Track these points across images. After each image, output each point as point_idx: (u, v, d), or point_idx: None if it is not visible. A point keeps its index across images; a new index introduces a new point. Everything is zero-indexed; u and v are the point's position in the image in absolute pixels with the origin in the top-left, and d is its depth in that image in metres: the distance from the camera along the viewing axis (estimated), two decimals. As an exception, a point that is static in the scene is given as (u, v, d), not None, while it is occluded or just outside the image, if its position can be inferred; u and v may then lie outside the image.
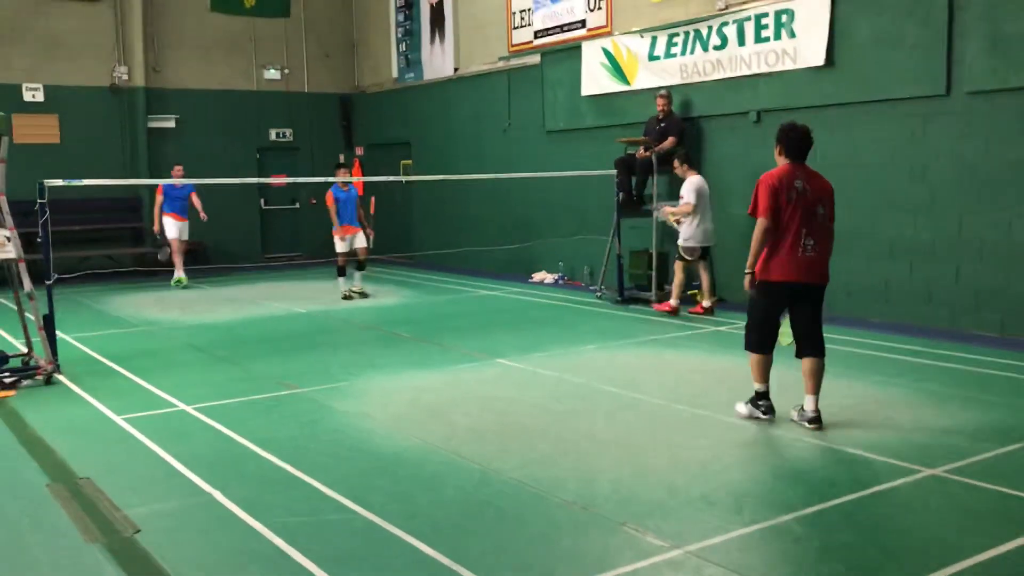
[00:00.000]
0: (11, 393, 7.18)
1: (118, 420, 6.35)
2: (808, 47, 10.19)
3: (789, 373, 6.35)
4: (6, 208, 7.57)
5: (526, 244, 14.51)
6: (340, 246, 12.37)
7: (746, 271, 5.90)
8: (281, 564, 3.96)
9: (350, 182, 12.45)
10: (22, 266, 7.66)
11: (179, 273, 14.19)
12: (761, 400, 6.04)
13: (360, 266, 12.66)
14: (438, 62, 16.59)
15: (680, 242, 10.52)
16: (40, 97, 15.97)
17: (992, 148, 8.83)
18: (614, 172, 11.79)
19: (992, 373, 7.38)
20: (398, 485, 4.97)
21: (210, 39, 17.56)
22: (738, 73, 11.03)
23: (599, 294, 12.08)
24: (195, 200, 14.16)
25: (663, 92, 11.54)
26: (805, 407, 5.90)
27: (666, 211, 10.83)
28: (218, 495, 4.79)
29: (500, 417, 6.33)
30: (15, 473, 5.29)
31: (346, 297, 12.44)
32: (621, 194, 11.74)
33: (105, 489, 4.90)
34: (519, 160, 14.59)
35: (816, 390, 5.86)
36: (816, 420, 5.81)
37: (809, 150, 5.98)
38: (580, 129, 13.54)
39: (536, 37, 14.33)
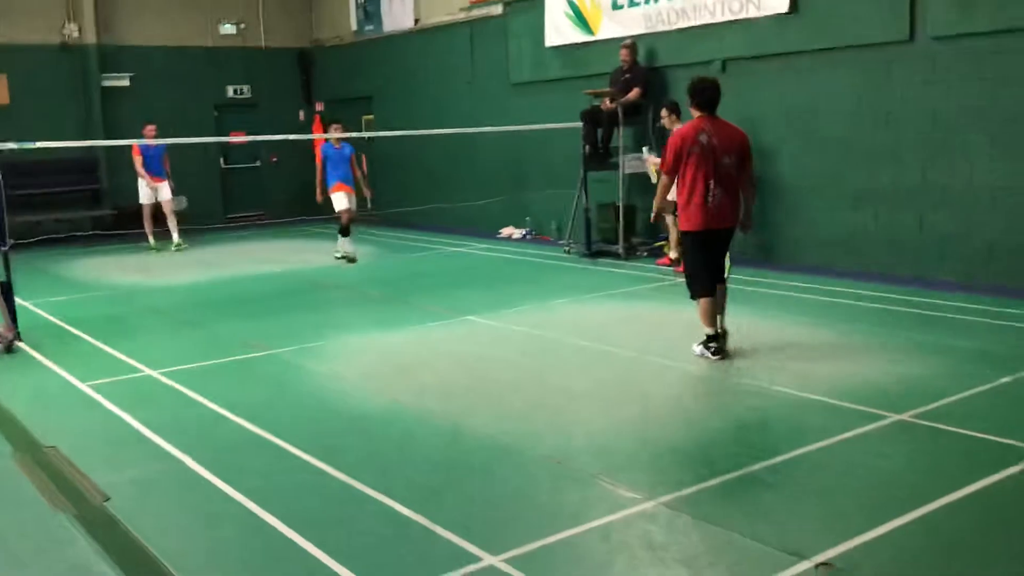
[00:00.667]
0: (-29, 362, 7.04)
1: (83, 387, 6.25)
2: (772, -6, 10.10)
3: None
4: (-44, 172, 7.34)
5: (493, 200, 14.41)
6: (338, 204, 11.98)
7: (651, 220, 7.32)
8: (254, 527, 3.93)
9: (343, 140, 12.09)
10: (-24, 232, 7.45)
11: (152, 240, 13.69)
12: (711, 342, 6.40)
13: (343, 230, 12.05)
14: (398, 13, 16.26)
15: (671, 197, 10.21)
16: (-13, 56, 15.47)
17: (955, 94, 8.85)
18: (580, 125, 11.69)
19: (956, 318, 7.49)
20: (370, 444, 4.95)
21: (163, -6, 17.06)
22: (702, 21, 10.92)
23: (567, 249, 12.05)
24: (166, 161, 13.82)
25: (627, 43, 11.42)
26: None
27: (651, 161, 10.66)
28: (188, 460, 4.74)
29: (471, 374, 6.31)
30: (-22, 444, 5.19)
31: (348, 259, 11.95)
32: (587, 147, 11.67)
33: (72, 457, 4.82)
34: (484, 114, 14.41)
35: (723, 310, 6.55)
36: (725, 334, 6.50)
37: (718, 102, 6.40)
38: (545, 81, 13.38)
39: (498, -13, 14.07)
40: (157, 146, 13.52)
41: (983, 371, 5.89)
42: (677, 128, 6.59)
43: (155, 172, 13.70)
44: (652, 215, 7.10)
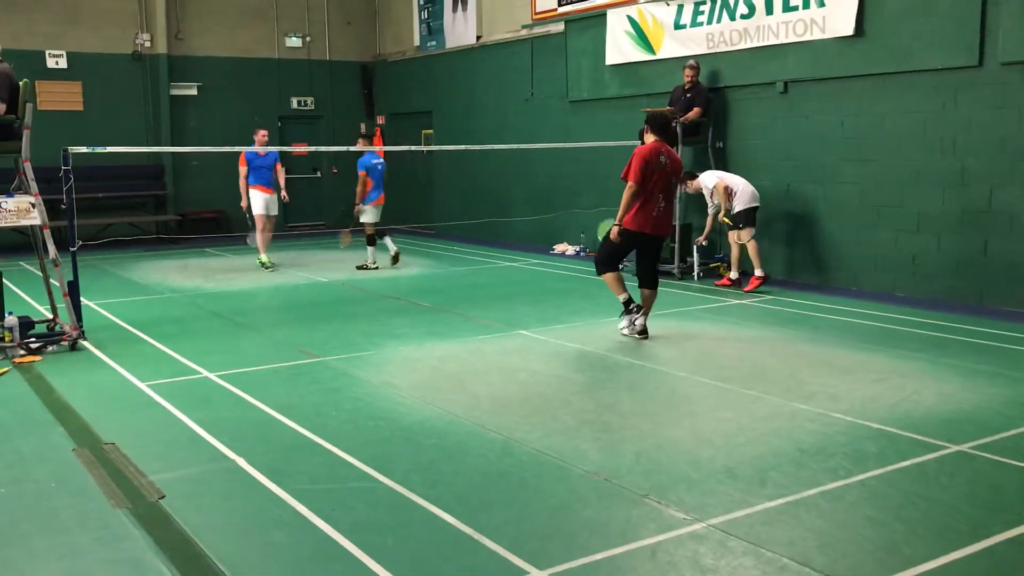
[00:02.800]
0: (37, 358, 7.25)
1: (142, 386, 6.40)
2: (837, 16, 10.01)
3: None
4: (31, 174, 7.59)
5: (548, 215, 14.44)
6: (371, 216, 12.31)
7: (615, 223, 7.62)
8: (304, 531, 3.98)
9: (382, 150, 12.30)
10: (47, 232, 7.69)
11: (263, 254, 12.52)
12: (629, 304, 7.71)
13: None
14: (460, 30, 16.44)
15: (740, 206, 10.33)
16: (63, 64, 16.00)
17: (1025, 120, 8.66)
18: (638, 143, 11.65)
19: (1020, 349, 7.28)
20: (421, 454, 4.98)
21: (232, 6, 17.50)
22: (766, 42, 10.86)
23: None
24: (280, 172, 12.44)
25: (692, 62, 11.39)
26: (636, 322, 7.67)
27: (716, 187, 10.48)
28: (241, 461, 4.82)
29: (522, 388, 6.32)
30: (42, 438, 5.34)
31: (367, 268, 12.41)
32: (644, 165, 11.65)
33: (130, 454, 4.94)
34: (541, 130, 14.48)
35: (647, 312, 7.77)
36: (644, 332, 7.68)
37: (668, 128, 7.99)
38: (604, 99, 13.40)
39: (560, 4, 14.16)
40: (267, 154, 12.25)
41: (1048, 405, 5.72)
42: (640, 147, 7.72)
43: (266, 183, 12.35)
44: (616, 224, 7.70)
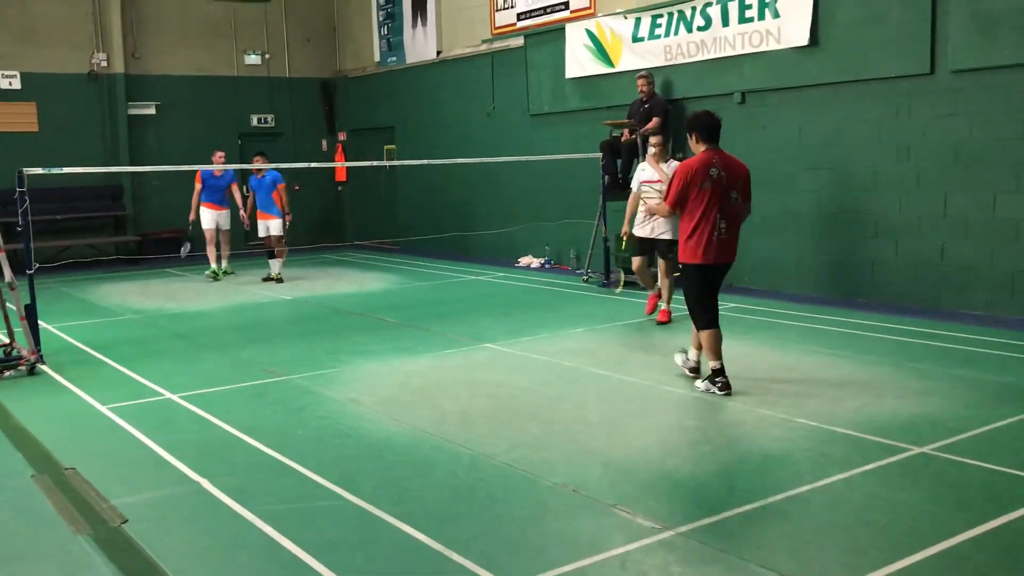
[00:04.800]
0: (-6, 384, 7.10)
1: (103, 409, 6.29)
2: (792, 27, 10.17)
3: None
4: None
5: (512, 229, 14.46)
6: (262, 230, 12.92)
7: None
8: (271, 552, 3.93)
9: (262, 169, 12.56)
10: (2, 255, 7.54)
11: (213, 264, 13.33)
12: (718, 376, 6.26)
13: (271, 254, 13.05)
14: (421, 45, 16.46)
15: (673, 236, 8.60)
16: (17, 84, 15.75)
17: (976, 126, 8.84)
18: (599, 155, 11.75)
19: (978, 351, 7.41)
20: (388, 470, 4.95)
21: (190, 24, 17.36)
22: (722, 54, 11.00)
23: (586, 278, 12.06)
24: (236, 192, 13.28)
25: (643, 74, 11.49)
26: (691, 356, 6.67)
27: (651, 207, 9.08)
28: (206, 483, 4.75)
29: (489, 401, 6.31)
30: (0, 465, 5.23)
31: (266, 279, 12.92)
32: (607, 177, 11.72)
33: (91, 479, 4.85)
34: (504, 144, 14.52)
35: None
36: (697, 370, 6.61)
37: (719, 133, 6.27)
38: (565, 112, 13.48)
39: (519, 19, 14.24)
40: (223, 175, 13.04)
41: (1006, 405, 5.83)
42: (682, 164, 6.35)
43: (217, 201, 13.11)
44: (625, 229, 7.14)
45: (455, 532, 4.06)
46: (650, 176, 9.01)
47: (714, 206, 6.13)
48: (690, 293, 6.39)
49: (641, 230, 8.90)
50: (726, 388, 6.20)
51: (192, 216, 13.15)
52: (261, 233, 12.93)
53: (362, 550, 3.94)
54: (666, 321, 8.85)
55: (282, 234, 12.85)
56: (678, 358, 6.80)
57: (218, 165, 12.51)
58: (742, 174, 6.30)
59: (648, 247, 9.02)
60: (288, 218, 12.90)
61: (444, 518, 4.24)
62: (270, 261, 12.98)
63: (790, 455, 5.09)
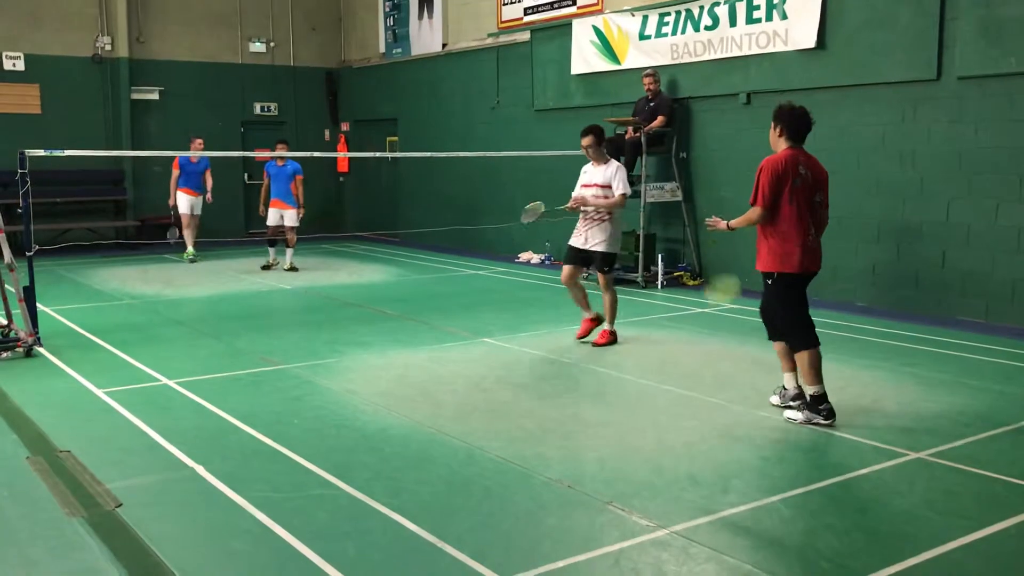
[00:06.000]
0: (-10, 365, 7.09)
1: (99, 393, 6.28)
2: (800, 29, 10.15)
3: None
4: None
5: (512, 224, 14.43)
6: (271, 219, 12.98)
7: (730, 227, 5.88)
8: (263, 539, 3.92)
9: (284, 157, 12.72)
10: (2, 237, 7.52)
11: (190, 247, 14.00)
12: (822, 404, 5.54)
13: (273, 242, 13.23)
14: (426, 38, 16.43)
15: (608, 248, 7.82)
16: (21, 66, 15.71)
17: (981, 133, 8.83)
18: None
19: (977, 358, 7.41)
20: (383, 462, 4.94)
21: (195, 10, 17.31)
22: (729, 54, 10.98)
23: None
24: (208, 178, 14.05)
25: (649, 71, 11.48)
26: (787, 386, 5.85)
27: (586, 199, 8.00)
28: (200, 469, 4.74)
29: (486, 396, 6.30)
30: (-6, 445, 5.22)
31: (266, 267, 12.99)
32: (609, 174, 11.67)
33: (86, 462, 4.84)
34: (507, 138, 14.49)
35: (795, 367, 5.75)
36: (801, 396, 5.73)
37: (809, 132, 5.71)
38: (569, 108, 13.45)
39: (526, 14, 14.21)
40: (199, 161, 13.74)
41: (1003, 412, 5.83)
42: (769, 159, 5.62)
43: (193, 186, 13.85)
44: (730, 227, 5.92)
45: (449, 525, 4.05)
46: (589, 180, 7.96)
47: (805, 208, 5.54)
48: (786, 308, 5.67)
49: (576, 238, 7.93)
50: (831, 416, 5.51)
51: (172, 201, 13.89)
52: (273, 221, 12.90)
53: (355, 540, 3.93)
54: (603, 344, 7.76)
55: (296, 225, 12.84)
56: (775, 399, 5.94)
57: (195, 152, 13.13)
58: (825, 177, 5.72)
59: (580, 258, 7.94)
60: (301, 211, 12.91)
61: (438, 511, 4.23)
62: (286, 250, 12.92)
63: (786, 457, 5.08)
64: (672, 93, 11.66)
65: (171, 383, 6.56)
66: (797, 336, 5.64)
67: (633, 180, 11.70)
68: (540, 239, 14.10)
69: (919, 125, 9.31)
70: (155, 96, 16.94)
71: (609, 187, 7.80)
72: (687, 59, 11.49)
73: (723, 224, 5.92)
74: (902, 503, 4.39)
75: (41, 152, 8.35)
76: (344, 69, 18.93)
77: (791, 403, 5.78)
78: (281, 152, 12.60)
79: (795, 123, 5.61)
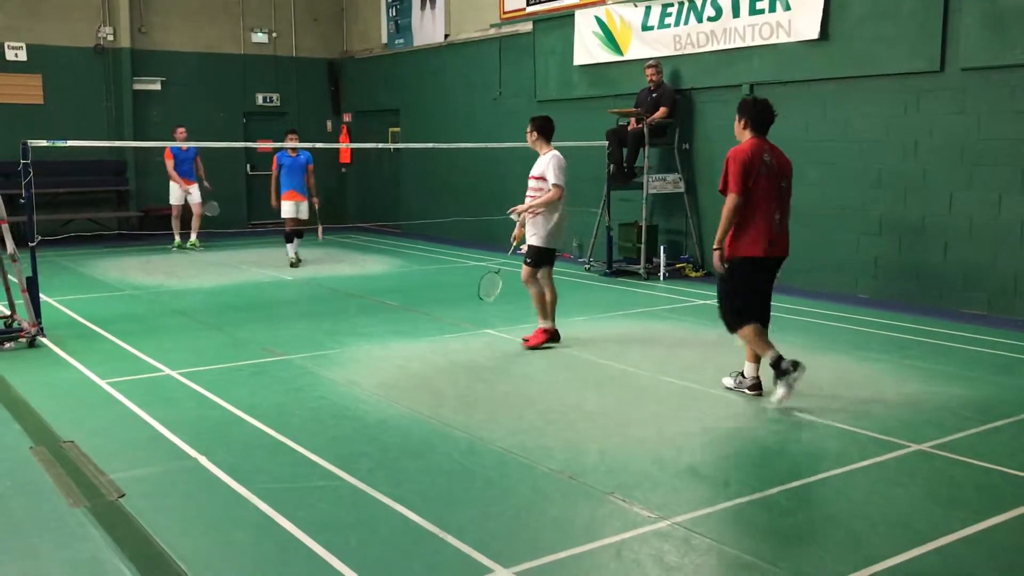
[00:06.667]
0: (-7, 355, 7.11)
1: (102, 384, 6.29)
2: (803, 20, 10.11)
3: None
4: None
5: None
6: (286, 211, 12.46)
7: (715, 248, 5.85)
8: (266, 530, 3.94)
9: (296, 148, 12.36)
10: (5, 227, 7.54)
11: (177, 238, 14.42)
12: (781, 363, 5.71)
13: (288, 236, 12.61)
14: (428, 28, 16.39)
15: (540, 242, 7.61)
16: (23, 56, 15.69)
17: (984, 125, 8.81)
18: (605, 144, 11.71)
19: (978, 350, 7.40)
20: (385, 452, 4.95)
21: (197, 1, 17.28)
22: (732, 45, 10.94)
23: (588, 266, 12.04)
24: (199, 165, 14.45)
25: (652, 62, 11.45)
26: (747, 372, 6.05)
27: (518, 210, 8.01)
28: (203, 460, 4.76)
29: (488, 387, 6.31)
30: (-3, 435, 5.24)
31: (293, 264, 12.38)
32: (612, 166, 11.68)
33: (89, 453, 4.86)
34: (509, 129, 14.44)
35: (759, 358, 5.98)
36: (758, 387, 6.01)
37: (772, 124, 5.92)
38: (572, 99, 13.42)
39: (528, 4, 14.16)
40: (188, 149, 14.16)
41: (1005, 404, 5.83)
42: (735, 149, 5.79)
43: (186, 174, 14.26)
44: (716, 248, 5.86)
45: (451, 516, 4.06)
46: (532, 172, 7.80)
47: (770, 196, 5.75)
48: (732, 290, 5.87)
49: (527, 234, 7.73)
50: (798, 364, 5.69)
51: (183, 187, 14.26)
52: (289, 213, 12.40)
53: (357, 530, 3.94)
54: (536, 345, 7.40)
55: (308, 217, 12.58)
56: (728, 381, 6.17)
57: (181, 141, 13.40)
58: (789, 165, 5.97)
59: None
60: (316, 202, 12.56)
61: (440, 501, 4.25)
62: (293, 242, 12.57)
63: (787, 449, 5.09)
64: (675, 84, 11.63)
65: (174, 374, 6.58)
66: (736, 313, 5.89)
67: (635, 171, 11.73)
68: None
69: (922, 117, 9.28)
70: (157, 87, 16.93)
71: (544, 179, 7.61)
72: (690, 50, 11.46)
73: (716, 258, 5.88)
74: (903, 495, 4.40)
75: (43, 142, 8.34)
76: (346, 60, 18.90)
77: (748, 392, 6.01)
78: (293, 143, 12.33)
79: (758, 115, 5.88)
